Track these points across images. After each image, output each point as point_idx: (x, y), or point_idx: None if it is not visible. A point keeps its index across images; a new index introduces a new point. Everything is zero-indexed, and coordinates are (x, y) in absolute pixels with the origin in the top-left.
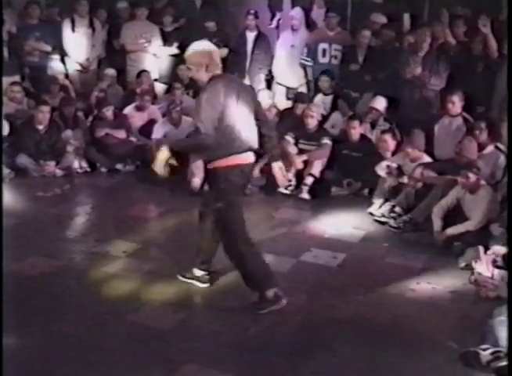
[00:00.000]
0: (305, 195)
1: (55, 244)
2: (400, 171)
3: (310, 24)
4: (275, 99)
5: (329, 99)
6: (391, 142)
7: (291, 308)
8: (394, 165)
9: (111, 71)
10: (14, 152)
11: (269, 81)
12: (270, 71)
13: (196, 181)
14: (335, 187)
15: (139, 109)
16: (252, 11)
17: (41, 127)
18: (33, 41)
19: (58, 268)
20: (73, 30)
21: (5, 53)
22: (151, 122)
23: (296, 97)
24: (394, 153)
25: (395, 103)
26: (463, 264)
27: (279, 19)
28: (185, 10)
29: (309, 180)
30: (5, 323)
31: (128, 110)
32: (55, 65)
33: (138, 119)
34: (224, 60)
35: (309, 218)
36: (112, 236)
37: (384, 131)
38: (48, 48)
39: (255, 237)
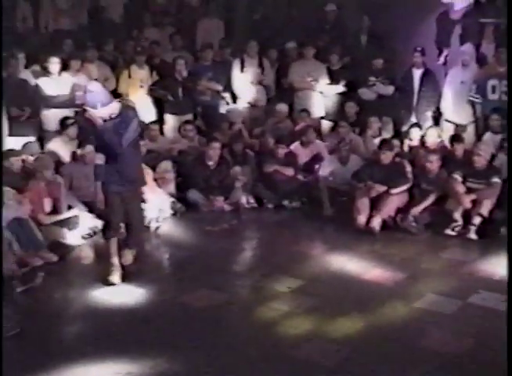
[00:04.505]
0: (473, 235)
1: (222, 277)
2: None
3: (479, 60)
4: (444, 137)
5: (498, 137)
6: None
7: (457, 351)
8: None
9: (282, 106)
10: (185, 187)
11: (436, 118)
12: (438, 108)
13: (361, 218)
14: (504, 227)
15: (304, 145)
16: (419, 48)
17: (211, 163)
18: (205, 81)
19: (224, 301)
20: (241, 70)
21: (180, 93)
22: (315, 158)
23: (453, 138)
24: None
25: None
26: None
27: (447, 56)
28: (350, 48)
29: (477, 220)
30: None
31: (294, 145)
32: (230, 107)
33: (302, 155)
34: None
35: (477, 258)
36: (277, 272)
37: None
38: (220, 88)
39: (419, 277)
